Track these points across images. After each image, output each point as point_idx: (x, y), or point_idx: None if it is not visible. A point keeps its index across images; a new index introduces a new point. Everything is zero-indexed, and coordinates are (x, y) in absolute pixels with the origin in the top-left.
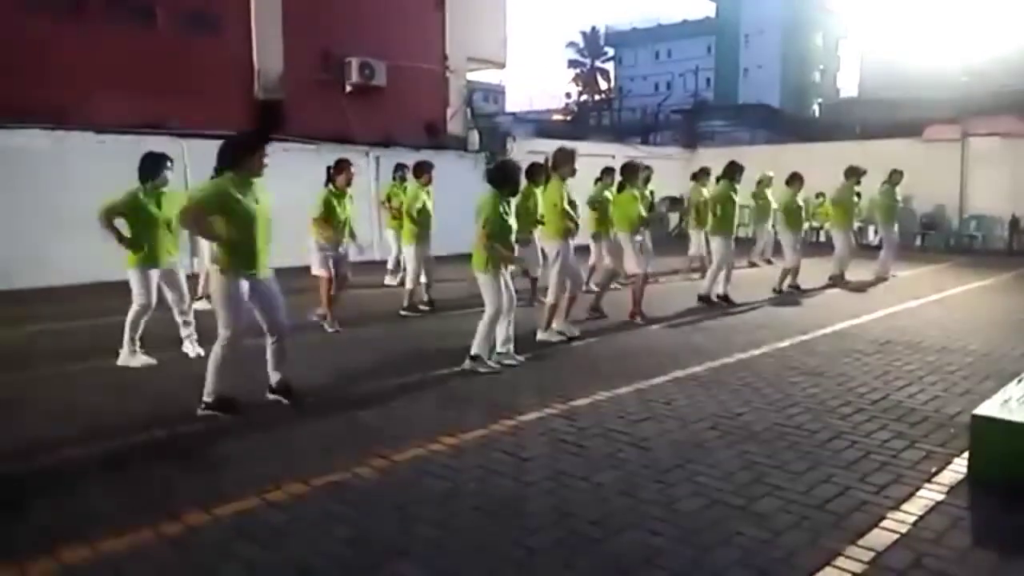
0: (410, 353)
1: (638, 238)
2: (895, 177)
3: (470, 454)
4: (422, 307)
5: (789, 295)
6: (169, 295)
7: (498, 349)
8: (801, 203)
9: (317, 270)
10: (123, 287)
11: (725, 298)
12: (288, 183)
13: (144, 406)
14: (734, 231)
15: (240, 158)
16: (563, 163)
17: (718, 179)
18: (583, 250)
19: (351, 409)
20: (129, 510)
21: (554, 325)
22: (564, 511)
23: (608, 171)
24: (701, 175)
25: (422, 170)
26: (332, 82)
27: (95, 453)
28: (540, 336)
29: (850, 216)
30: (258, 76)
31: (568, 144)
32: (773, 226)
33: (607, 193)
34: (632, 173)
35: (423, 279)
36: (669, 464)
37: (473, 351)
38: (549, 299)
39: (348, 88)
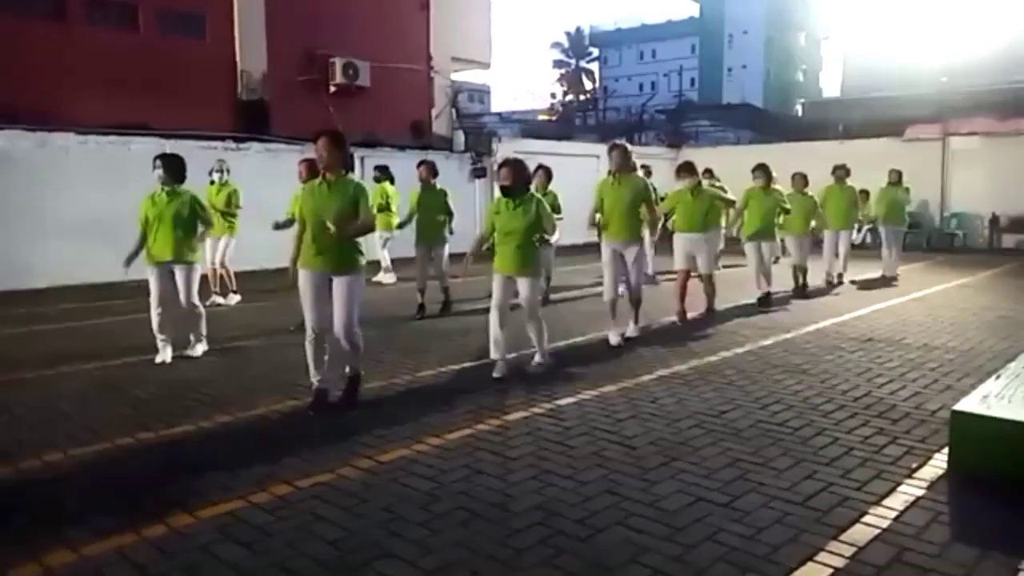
0: (398, 352)
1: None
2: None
3: (456, 454)
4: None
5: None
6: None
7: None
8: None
9: None
10: (107, 289)
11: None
12: (273, 184)
13: (127, 409)
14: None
15: None
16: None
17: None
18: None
19: (336, 409)
20: (112, 513)
21: None
22: (549, 510)
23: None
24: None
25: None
26: (316, 82)
27: (77, 456)
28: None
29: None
30: (241, 77)
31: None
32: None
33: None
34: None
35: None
36: (654, 462)
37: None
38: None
39: (332, 88)
